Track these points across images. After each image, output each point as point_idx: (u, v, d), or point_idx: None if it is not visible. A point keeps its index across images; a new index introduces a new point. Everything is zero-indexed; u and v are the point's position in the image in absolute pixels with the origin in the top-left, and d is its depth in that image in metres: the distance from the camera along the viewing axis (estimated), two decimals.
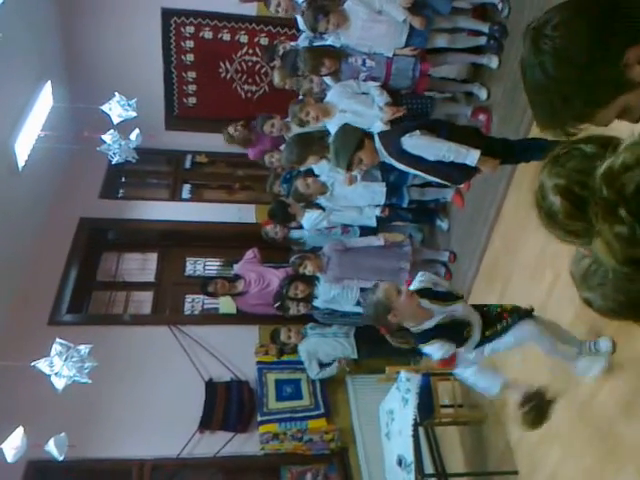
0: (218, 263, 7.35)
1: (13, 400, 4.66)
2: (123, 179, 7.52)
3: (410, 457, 3.84)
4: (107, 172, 6.82)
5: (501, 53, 4.30)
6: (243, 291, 5.37)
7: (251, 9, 6.28)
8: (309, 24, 4.06)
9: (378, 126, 3.89)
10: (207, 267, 7.21)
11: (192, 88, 7.09)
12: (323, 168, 4.47)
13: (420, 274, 3.18)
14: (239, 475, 5.48)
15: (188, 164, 7.58)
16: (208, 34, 6.72)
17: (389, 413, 4.22)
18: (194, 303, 6.70)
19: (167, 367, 5.45)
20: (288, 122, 4.85)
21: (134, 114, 4.96)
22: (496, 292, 4.19)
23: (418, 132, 3.46)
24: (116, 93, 4.95)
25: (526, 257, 3.79)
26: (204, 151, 7.41)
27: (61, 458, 3.84)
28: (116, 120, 4.96)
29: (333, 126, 4.17)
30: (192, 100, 7.17)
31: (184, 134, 7.18)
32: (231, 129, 5.38)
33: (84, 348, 3.62)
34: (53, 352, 3.57)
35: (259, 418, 5.21)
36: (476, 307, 3.11)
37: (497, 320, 3.01)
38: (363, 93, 4.18)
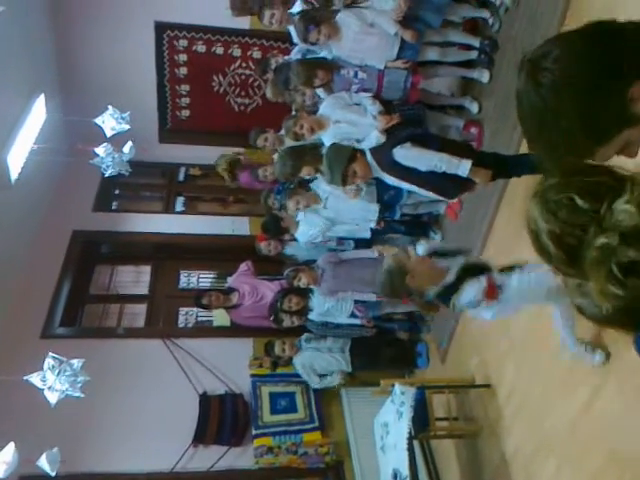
0: (212, 276, 7.34)
1: (5, 414, 4.62)
2: (117, 192, 7.50)
3: (405, 471, 3.83)
4: (100, 185, 6.82)
5: (492, 67, 4.34)
6: (237, 304, 5.35)
7: (244, 23, 6.30)
8: (300, 34, 4.08)
9: (375, 135, 3.91)
10: (201, 280, 7.21)
11: (185, 101, 7.11)
12: (319, 183, 4.50)
13: (420, 243, 3.08)
14: None
15: (182, 177, 7.58)
16: (201, 47, 6.74)
17: (384, 426, 4.21)
18: (188, 316, 6.68)
19: (161, 380, 5.42)
20: (281, 136, 4.87)
21: (127, 127, 4.97)
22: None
23: (409, 144, 3.47)
24: (109, 106, 4.97)
25: None
26: (198, 164, 7.41)
27: (53, 473, 3.81)
28: (109, 133, 4.97)
29: (328, 138, 4.19)
30: (185, 113, 7.18)
31: (177, 147, 7.19)
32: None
33: (77, 362, 3.60)
34: (46, 366, 3.55)
35: (253, 431, 5.19)
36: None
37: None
38: (355, 104, 4.20)
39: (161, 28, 6.56)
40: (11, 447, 3.72)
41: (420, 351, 5.21)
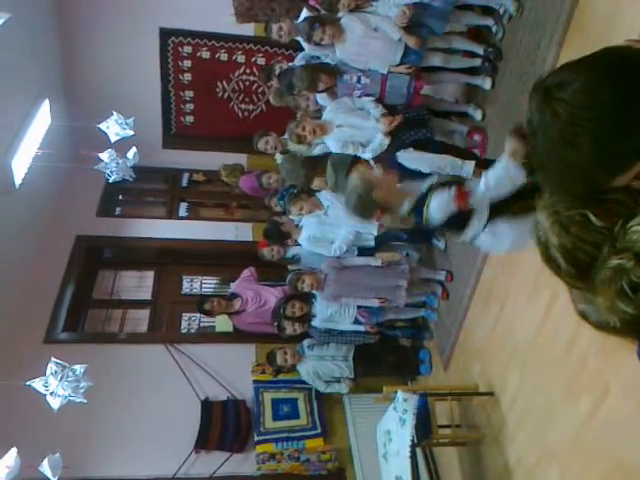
0: (215, 281, 7.35)
1: (7, 419, 4.62)
2: (120, 197, 7.53)
3: (408, 478, 3.81)
4: (104, 190, 6.84)
5: (495, 75, 4.34)
6: (240, 310, 5.35)
7: (248, 29, 6.34)
8: (305, 34, 4.10)
9: (379, 138, 3.92)
10: (204, 285, 7.21)
11: (189, 107, 7.13)
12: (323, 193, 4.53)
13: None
14: None
15: (185, 182, 7.61)
16: (206, 54, 6.77)
17: (386, 434, 4.20)
18: (190, 321, 6.69)
19: (163, 386, 5.41)
20: (284, 139, 4.88)
21: (131, 133, 4.99)
22: (493, 312, 4.19)
23: (412, 149, 3.49)
24: (114, 112, 4.99)
25: (523, 278, 3.80)
26: (201, 169, 7.44)
27: (55, 479, 3.80)
28: (113, 139, 4.99)
29: (332, 142, 4.20)
30: (189, 119, 7.21)
31: (181, 152, 7.22)
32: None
33: (79, 368, 3.60)
34: (48, 371, 3.55)
35: (256, 438, 5.17)
36: None
37: None
38: (359, 109, 4.21)
39: (166, 34, 6.60)
40: (13, 452, 3.71)
41: (423, 358, 5.20)
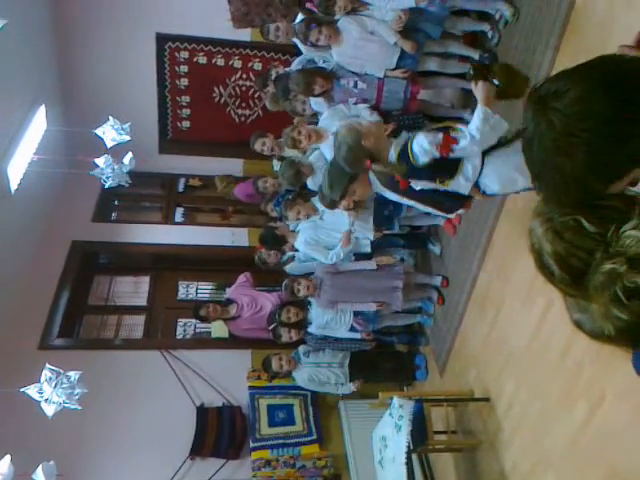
0: (211, 287, 7.34)
1: (1, 426, 4.60)
2: (116, 202, 7.52)
3: None
4: (100, 195, 6.83)
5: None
6: (235, 315, 5.34)
7: (245, 35, 6.34)
8: (301, 34, 4.10)
9: None
10: (199, 291, 7.20)
11: (186, 112, 7.13)
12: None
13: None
14: None
15: (181, 187, 7.60)
16: (202, 59, 6.77)
17: (382, 440, 4.19)
18: (186, 327, 6.67)
19: (158, 392, 5.40)
20: (281, 142, 4.87)
21: (128, 138, 4.98)
22: (489, 317, 4.19)
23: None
24: (110, 117, 4.98)
25: (518, 283, 3.80)
26: (197, 174, 7.43)
27: None
28: (110, 144, 4.98)
29: (327, 149, 4.20)
30: (186, 124, 7.20)
31: (177, 158, 7.21)
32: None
33: (74, 374, 3.59)
34: (43, 378, 3.54)
35: (251, 444, 5.16)
36: None
37: None
38: (354, 116, 4.21)
39: (162, 39, 6.60)
40: (7, 459, 3.70)
41: (419, 363, 5.20)
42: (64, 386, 3.54)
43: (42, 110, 5.86)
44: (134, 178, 5.37)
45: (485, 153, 2.93)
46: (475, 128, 2.77)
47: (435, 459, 4.56)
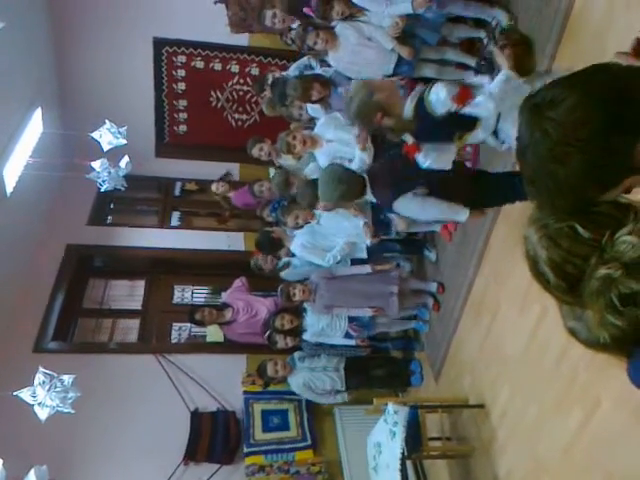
0: (206, 291, 7.32)
1: None
2: (112, 205, 7.50)
3: None
4: (96, 198, 6.81)
5: None
6: (231, 320, 5.32)
7: (243, 39, 6.36)
8: (298, 38, 4.11)
9: (358, 155, 3.93)
10: (195, 295, 7.18)
11: (183, 116, 7.14)
12: None
13: None
14: None
15: (178, 191, 7.59)
16: (199, 63, 6.78)
17: (376, 446, 4.17)
18: (181, 331, 6.65)
19: (152, 396, 5.37)
20: (277, 147, 4.87)
21: (124, 141, 4.97)
22: (484, 323, 4.19)
23: (410, 194, 3.52)
24: (107, 120, 4.97)
25: (514, 289, 3.80)
26: (194, 178, 7.42)
27: None
28: (106, 147, 4.97)
29: (322, 156, 4.21)
30: (183, 128, 7.21)
31: (174, 161, 7.21)
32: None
33: (68, 378, 3.57)
34: (36, 382, 3.52)
35: (245, 449, 5.13)
36: None
37: None
38: (349, 125, 4.21)
39: (160, 44, 6.60)
40: None
41: (414, 369, 5.19)
42: (57, 390, 3.52)
43: (38, 113, 5.86)
44: (130, 182, 5.36)
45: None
46: (495, 85, 2.73)
47: (429, 466, 4.55)
